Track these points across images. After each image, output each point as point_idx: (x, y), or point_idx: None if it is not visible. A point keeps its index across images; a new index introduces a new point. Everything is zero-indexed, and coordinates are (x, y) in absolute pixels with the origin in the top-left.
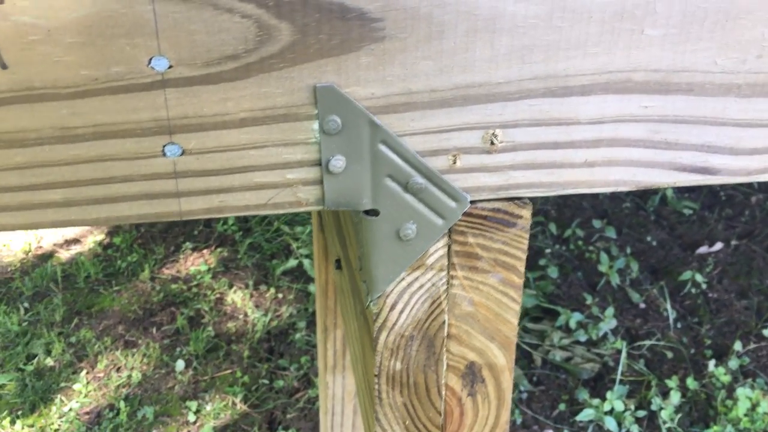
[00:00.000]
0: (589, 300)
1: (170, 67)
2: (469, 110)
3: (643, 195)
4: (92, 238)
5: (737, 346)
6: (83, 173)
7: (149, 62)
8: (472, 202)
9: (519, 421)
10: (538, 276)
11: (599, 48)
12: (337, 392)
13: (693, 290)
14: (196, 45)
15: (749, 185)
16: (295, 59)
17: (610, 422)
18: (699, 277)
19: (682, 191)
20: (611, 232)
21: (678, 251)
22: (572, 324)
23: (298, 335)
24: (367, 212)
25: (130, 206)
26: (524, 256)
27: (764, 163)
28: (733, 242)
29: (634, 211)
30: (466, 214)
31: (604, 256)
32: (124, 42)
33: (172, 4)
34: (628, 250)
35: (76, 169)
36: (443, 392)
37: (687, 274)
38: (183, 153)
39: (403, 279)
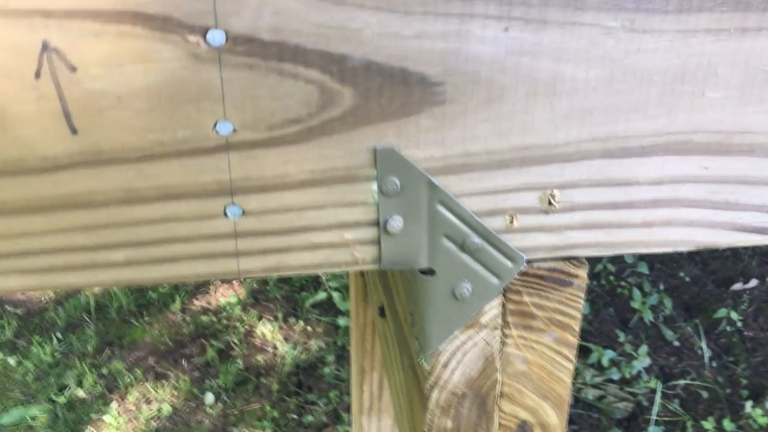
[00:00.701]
0: (621, 337)
1: (234, 131)
2: (527, 171)
3: None
4: None
5: None
6: (146, 234)
7: (214, 126)
8: (528, 261)
9: None
10: None
11: (659, 110)
12: None
13: (728, 328)
14: (260, 109)
15: None
16: (357, 122)
17: None
18: (734, 315)
19: None
20: (643, 268)
21: (712, 287)
22: (605, 362)
23: (327, 369)
24: (423, 271)
25: (189, 266)
26: (579, 315)
27: None
28: None
29: None
30: (521, 273)
31: (636, 292)
32: (191, 107)
33: (239, 71)
34: (661, 286)
35: (139, 230)
36: None
37: (722, 312)
38: (243, 214)
39: (456, 337)
